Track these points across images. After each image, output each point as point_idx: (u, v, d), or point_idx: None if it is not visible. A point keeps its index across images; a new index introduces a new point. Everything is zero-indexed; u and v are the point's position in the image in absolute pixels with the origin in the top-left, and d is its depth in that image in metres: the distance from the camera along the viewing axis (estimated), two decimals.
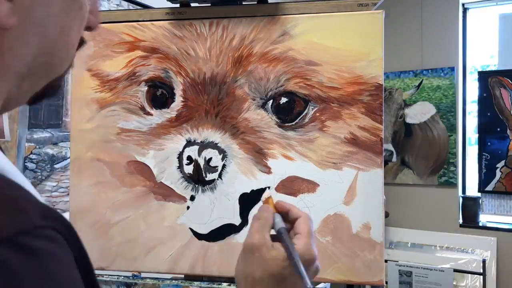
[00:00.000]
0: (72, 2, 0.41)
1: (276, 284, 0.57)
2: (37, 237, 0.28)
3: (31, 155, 1.48)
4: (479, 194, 2.96)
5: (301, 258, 0.56)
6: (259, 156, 0.91)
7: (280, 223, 0.61)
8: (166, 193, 0.94)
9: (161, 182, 0.94)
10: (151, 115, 0.96)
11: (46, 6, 0.38)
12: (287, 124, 0.90)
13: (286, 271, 0.57)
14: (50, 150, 1.54)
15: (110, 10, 1.64)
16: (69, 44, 0.42)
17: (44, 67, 0.41)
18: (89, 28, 0.45)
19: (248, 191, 0.91)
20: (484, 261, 2.75)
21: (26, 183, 0.33)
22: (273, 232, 0.60)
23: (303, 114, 0.89)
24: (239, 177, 0.91)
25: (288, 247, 0.57)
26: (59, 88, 0.46)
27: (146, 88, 0.96)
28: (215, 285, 0.89)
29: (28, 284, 0.26)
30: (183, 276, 0.94)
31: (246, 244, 0.60)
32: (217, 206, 0.92)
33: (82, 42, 0.45)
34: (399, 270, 2.54)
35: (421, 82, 3.05)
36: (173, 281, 0.92)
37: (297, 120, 0.90)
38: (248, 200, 0.91)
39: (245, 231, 0.91)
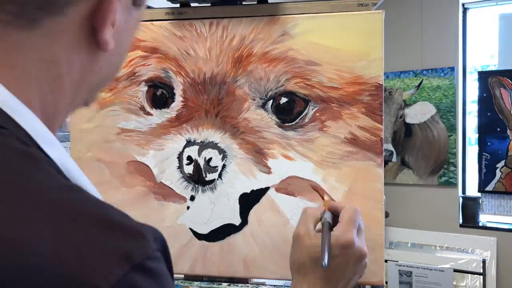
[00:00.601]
0: (138, 20, 0.43)
1: (315, 267, 0.65)
2: (156, 260, 0.30)
3: None
4: (479, 194, 2.96)
5: (336, 242, 0.65)
6: (259, 156, 0.91)
7: (328, 218, 0.69)
8: (166, 193, 0.94)
9: (161, 182, 0.94)
10: (151, 115, 0.96)
11: (129, 30, 0.41)
12: (287, 124, 0.90)
13: (313, 257, 0.64)
14: None
15: None
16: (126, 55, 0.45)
17: (109, 80, 0.45)
18: None
19: (248, 191, 0.91)
20: (484, 261, 2.75)
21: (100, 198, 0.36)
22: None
23: (303, 114, 0.89)
24: (239, 177, 0.91)
25: (323, 232, 0.65)
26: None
27: (146, 88, 0.96)
28: (215, 285, 0.89)
29: None
30: (183, 276, 0.94)
31: (293, 234, 0.70)
32: (217, 206, 0.92)
33: None
34: (399, 270, 2.54)
35: (421, 82, 3.05)
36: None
37: (297, 120, 0.90)
38: (248, 200, 0.91)
39: (245, 231, 0.91)
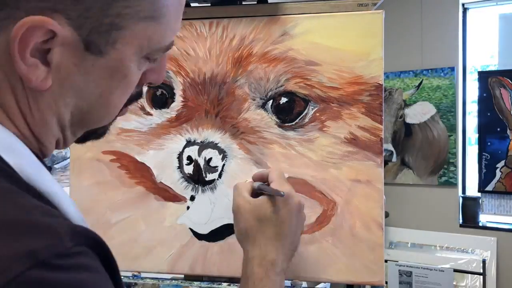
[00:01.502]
0: (115, 72, 0.43)
1: (263, 227, 0.67)
2: (69, 256, 0.31)
3: None
4: (479, 194, 2.96)
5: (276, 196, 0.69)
6: (259, 156, 0.91)
7: (259, 183, 0.74)
8: (166, 193, 0.94)
9: (161, 182, 0.94)
10: (151, 115, 0.96)
11: (85, 75, 0.41)
12: (287, 124, 0.90)
13: (268, 211, 0.68)
14: None
15: None
16: (109, 105, 0.46)
17: (84, 121, 0.46)
18: (150, 84, 0.50)
19: None
20: (484, 261, 2.75)
21: (65, 201, 0.40)
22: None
23: (303, 114, 0.89)
24: (239, 177, 0.91)
25: (262, 187, 0.71)
26: (103, 134, 0.52)
27: (146, 88, 0.96)
28: (215, 285, 0.89)
29: None
30: (183, 276, 0.94)
31: (232, 208, 0.72)
32: (217, 206, 0.92)
33: (138, 95, 0.50)
34: (399, 270, 2.54)
35: (421, 82, 3.05)
36: (173, 281, 0.92)
37: (297, 120, 0.90)
38: None
39: None
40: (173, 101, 0.95)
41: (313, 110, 0.89)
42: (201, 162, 0.92)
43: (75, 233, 0.33)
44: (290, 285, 0.87)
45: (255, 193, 0.73)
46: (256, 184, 0.73)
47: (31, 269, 0.29)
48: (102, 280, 0.34)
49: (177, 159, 0.94)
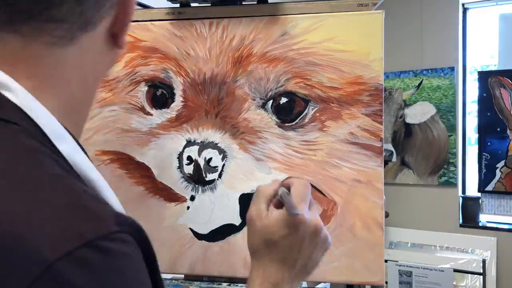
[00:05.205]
0: None
1: (269, 250, 0.62)
2: (112, 240, 0.34)
3: None
4: (479, 194, 2.96)
5: (286, 220, 0.62)
6: (259, 156, 0.91)
7: (283, 190, 0.64)
8: (166, 193, 0.94)
9: (161, 182, 0.94)
10: (151, 115, 0.96)
11: None
12: (287, 124, 0.90)
13: (276, 235, 0.62)
14: None
15: None
16: None
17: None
18: None
19: (248, 191, 0.91)
20: (484, 261, 2.75)
21: (106, 189, 0.43)
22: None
23: (303, 114, 0.89)
24: (239, 177, 0.91)
25: (284, 195, 0.62)
26: None
27: (146, 88, 0.96)
28: (215, 285, 0.89)
29: (106, 280, 0.32)
30: (183, 276, 0.94)
31: (246, 216, 0.66)
32: (217, 206, 0.92)
33: None
34: (399, 270, 2.54)
35: (421, 82, 3.05)
36: (173, 281, 0.92)
37: (297, 120, 0.90)
38: (248, 200, 0.90)
39: (245, 231, 0.91)
40: (173, 101, 0.95)
41: (313, 110, 0.89)
42: (201, 162, 0.92)
43: (121, 220, 0.36)
44: None
45: (277, 200, 0.65)
46: (281, 190, 0.64)
47: (80, 248, 0.32)
48: (139, 270, 0.36)
49: (177, 159, 0.94)
